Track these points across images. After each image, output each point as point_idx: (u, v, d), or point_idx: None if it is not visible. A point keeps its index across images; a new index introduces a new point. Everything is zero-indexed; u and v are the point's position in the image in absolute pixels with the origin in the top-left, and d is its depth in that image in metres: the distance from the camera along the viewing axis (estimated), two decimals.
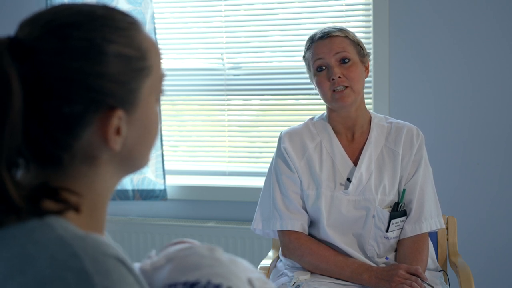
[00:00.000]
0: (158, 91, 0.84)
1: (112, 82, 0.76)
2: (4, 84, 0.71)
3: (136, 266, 0.90)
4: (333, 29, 1.81)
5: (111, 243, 0.76)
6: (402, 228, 1.80)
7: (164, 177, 2.84)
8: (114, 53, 0.76)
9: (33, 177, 0.78)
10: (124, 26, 0.79)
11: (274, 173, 1.87)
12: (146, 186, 2.85)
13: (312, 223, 1.85)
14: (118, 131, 0.78)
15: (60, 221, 0.73)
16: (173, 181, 2.93)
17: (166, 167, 2.88)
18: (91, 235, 0.73)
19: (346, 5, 2.72)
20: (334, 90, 1.76)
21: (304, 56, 1.87)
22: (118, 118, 0.77)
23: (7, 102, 0.71)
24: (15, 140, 0.72)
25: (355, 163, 1.83)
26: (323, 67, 1.78)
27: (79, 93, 0.74)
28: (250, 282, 0.85)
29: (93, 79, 0.75)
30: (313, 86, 1.85)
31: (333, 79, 1.75)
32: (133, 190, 2.86)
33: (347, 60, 1.77)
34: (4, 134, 0.71)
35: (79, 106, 0.75)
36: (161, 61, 0.84)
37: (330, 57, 1.77)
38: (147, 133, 0.83)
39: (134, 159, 0.83)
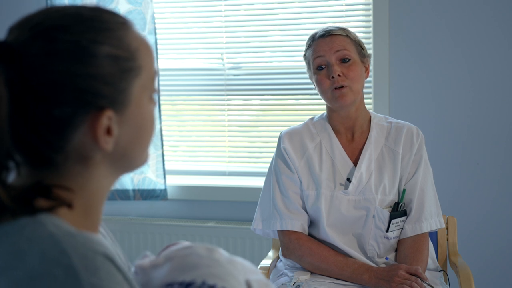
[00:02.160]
0: (150, 90, 0.84)
1: (101, 83, 0.76)
2: None
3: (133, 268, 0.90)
4: (334, 28, 1.81)
5: (103, 242, 0.76)
6: (402, 228, 1.80)
7: (164, 177, 2.84)
8: (102, 54, 0.76)
9: (25, 178, 0.77)
10: (112, 26, 0.79)
11: (274, 173, 1.87)
12: (146, 186, 2.85)
13: (312, 223, 1.85)
14: (109, 131, 0.78)
15: (52, 218, 0.74)
16: (173, 181, 2.93)
17: (166, 167, 2.88)
18: (82, 233, 0.73)
19: (346, 5, 2.72)
20: (334, 89, 1.76)
21: (304, 55, 1.87)
22: (108, 118, 0.77)
23: None
24: (3, 143, 0.72)
25: (355, 163, 1.83)
26: (323, 66, 1.78)
27: (68, 95, 0.74)
28: (248, 283, 0.85)
29: (81, 81, 0.75)
30: (313, 86, 1.85)
31: (332, 77, 1.75)
32: (134, 190, 2.86)
33: (347, 59, 1.77)
34: None
35: (69, 108, 0.75)
36: (153, 60, 0.84)
37: (331, 55, 1.77)
38: (141, 132, 0.82)
39: (130, 158, 0.83)
